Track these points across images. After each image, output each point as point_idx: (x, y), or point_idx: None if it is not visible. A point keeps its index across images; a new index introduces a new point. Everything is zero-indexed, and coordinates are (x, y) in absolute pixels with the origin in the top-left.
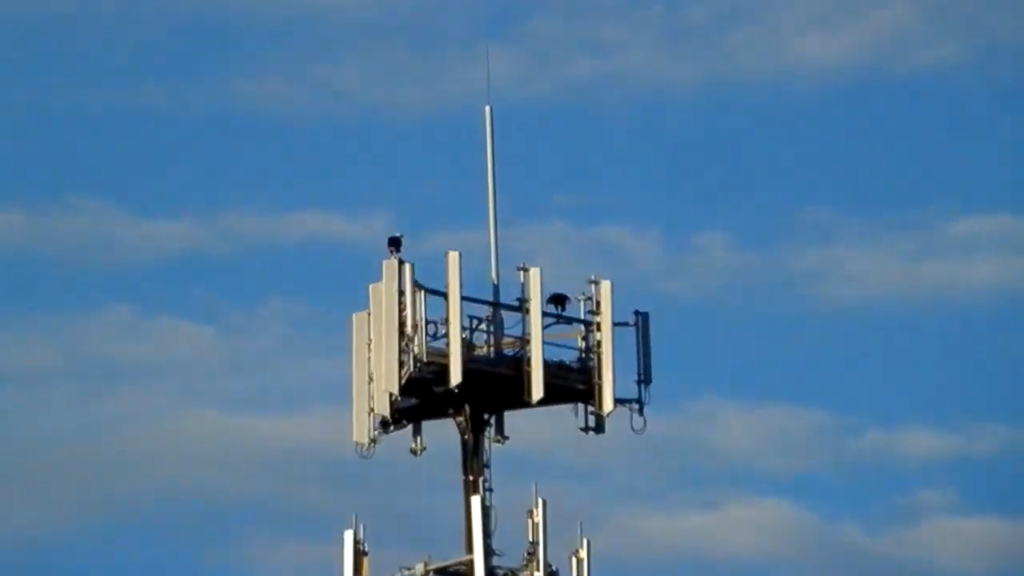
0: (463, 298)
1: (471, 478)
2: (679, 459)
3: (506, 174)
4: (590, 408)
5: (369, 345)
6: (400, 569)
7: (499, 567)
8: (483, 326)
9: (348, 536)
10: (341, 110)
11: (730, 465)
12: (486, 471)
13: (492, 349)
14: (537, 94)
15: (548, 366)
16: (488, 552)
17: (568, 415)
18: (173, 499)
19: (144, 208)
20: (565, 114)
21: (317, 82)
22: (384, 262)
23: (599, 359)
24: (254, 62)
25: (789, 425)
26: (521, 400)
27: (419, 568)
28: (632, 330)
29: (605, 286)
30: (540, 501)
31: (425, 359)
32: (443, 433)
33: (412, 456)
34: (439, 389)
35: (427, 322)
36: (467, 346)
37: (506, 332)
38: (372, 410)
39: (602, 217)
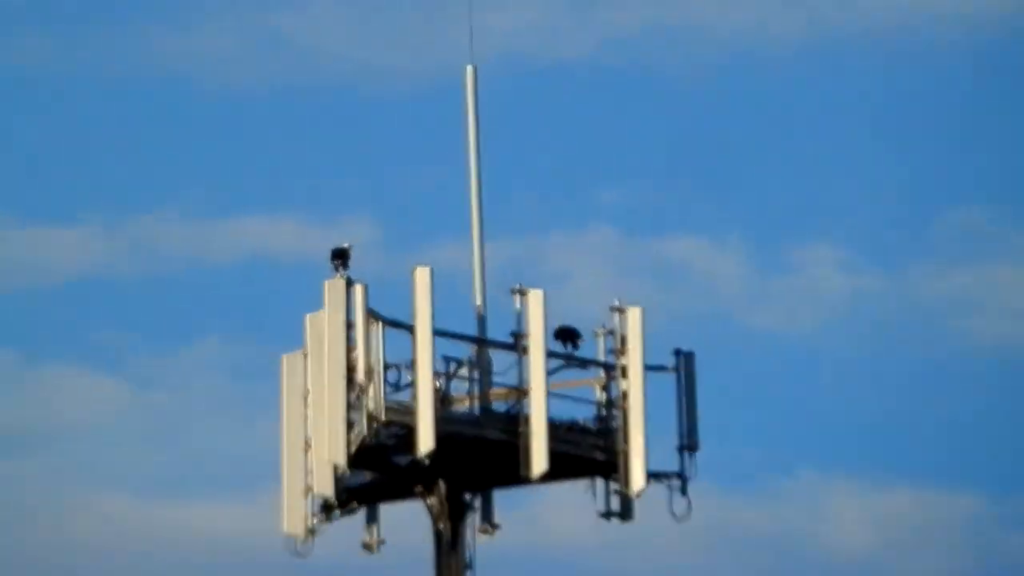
0: (436, 332)
1: None
2: (757, 556)
3: (525, 162)
4: (613, 485)
5: (306, 399)
6: None
7: None
8: (464, 371)
9: None
10: (292, 71)
11: (837, 566)
12: (468, 573)
13: (477, 403)
14: (570, 50)
15: (554, 427)
16: None
17: (583, 495)
18: None
19: (29, 212)
20: (608, 78)
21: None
22: (326, 282)
23: (625, 417)
24: (182, 9)
25: (923, 514)
26: (517, 475)
27: None
28: (673, 377)
29: (633, 314)
30: None
31: (383, 417)
32: (409, 521)
33: (367, 553)
34: (403, 460)
35: (386, 366)
36: (442, 399)
37: (496, 380)
38: (310, 490)
39: (664, 224)
